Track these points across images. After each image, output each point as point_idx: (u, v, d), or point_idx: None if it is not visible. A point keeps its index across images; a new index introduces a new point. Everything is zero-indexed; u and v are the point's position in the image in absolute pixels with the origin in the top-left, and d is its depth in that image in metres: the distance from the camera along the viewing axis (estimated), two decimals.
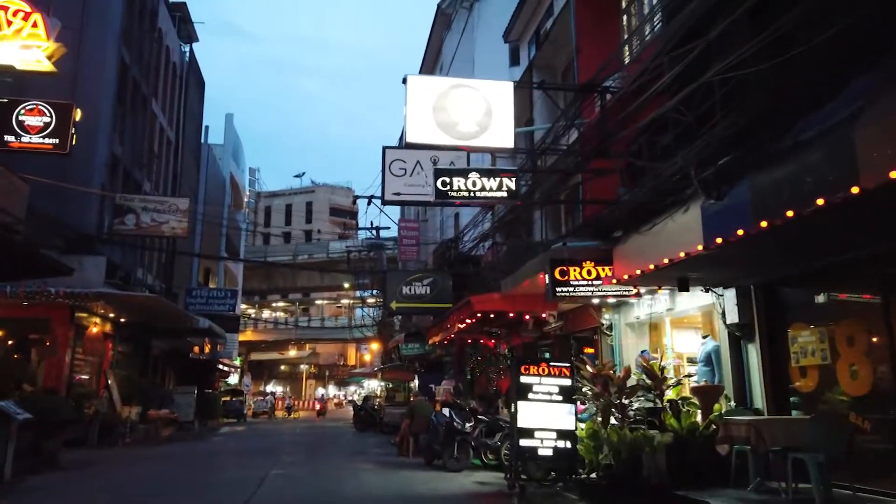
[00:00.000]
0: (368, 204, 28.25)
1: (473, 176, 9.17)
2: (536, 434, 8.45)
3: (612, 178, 10.18)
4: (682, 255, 6.88)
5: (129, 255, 22.42)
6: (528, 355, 17.30)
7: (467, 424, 10.89)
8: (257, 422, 35.93)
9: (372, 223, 32.91)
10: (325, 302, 67.19)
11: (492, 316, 13.03)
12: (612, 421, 8.64)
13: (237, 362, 47.53)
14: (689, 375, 8.77)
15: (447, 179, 9.13)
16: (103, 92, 19.61)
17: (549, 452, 8.43)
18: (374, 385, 44.22)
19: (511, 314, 12.78)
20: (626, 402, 8.08)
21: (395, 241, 29.45)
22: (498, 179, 9.19)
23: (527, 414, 8.50)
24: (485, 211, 16.63)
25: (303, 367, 67.76)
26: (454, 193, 9.09)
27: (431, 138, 9.12)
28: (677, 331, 12.41)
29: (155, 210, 19.38)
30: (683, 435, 7.82)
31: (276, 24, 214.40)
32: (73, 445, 15.98)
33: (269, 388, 64.54)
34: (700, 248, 6.54)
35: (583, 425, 8.53)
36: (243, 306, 62.16)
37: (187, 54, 30.16)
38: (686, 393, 8.88)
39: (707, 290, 8.76)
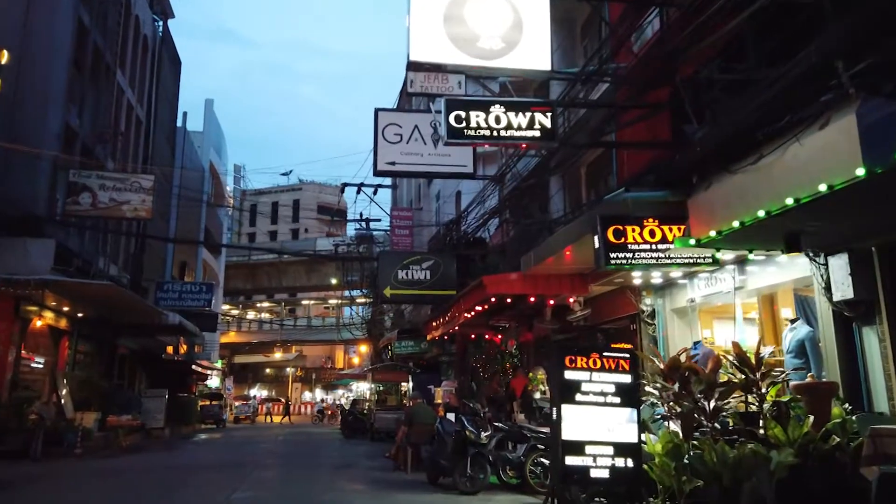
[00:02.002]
0: (358, 192, 26.07)
1: (497, 110, 6.95)
2: (587, 449, 6.22)
3: (659, 122, 8.01)
4: (822, 188, 4.68)
5: (90, 243, 20.00)
6: (541, 352, 15.13)
7: (483, 434, 8.62)
8: (238, 428, 33.43)
9: (361, 215, 30.57)
10: (312, 302, 64.80)
11: (508, 301, 10.80)
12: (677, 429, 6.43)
13: (218, 364, 44.90)
14: (801, 369, 6.56)
15: (462, 114, 6.90)
16: (55, 54, 17.24)
17: (605, 474, 6.20)
18: (363, 388, 41.82)
19: (532, 298, 10.56)
20: (717, 404, 5.85)
21: (387, 233, 27.20)
22: (528, 115, 6.99)
23: (574, 422, 6.27)
24: (494, 184, 14.41)
25: (289, 370, 65.17)
26: (472, 132, 6.88)
27: (442, 56, 6.90)
28: (718, 321, 10.33)
29: (115, 188, 16.99)
30: (796, 450, 5.63)
31: (273, 30, 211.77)
32: (10, 458, 13.65)
33: (254, 391, 61.86)
34: (861, 172, 4.35)
35: (653, 437, 6.28)
36: (226, 307, 59.65)
37: (160, 29, 27.75)
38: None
39: (815, 257, 6.58)
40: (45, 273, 15.17)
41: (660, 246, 6.82)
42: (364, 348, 56.05)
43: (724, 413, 5.89)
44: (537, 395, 10.89)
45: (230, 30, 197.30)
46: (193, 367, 30.44)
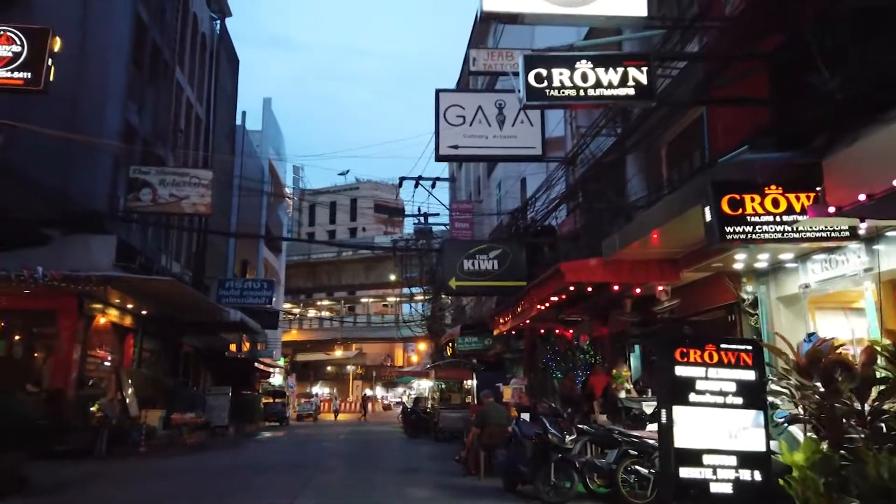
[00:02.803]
0: (416, 186, 25.37)
1: (583, 66, 6.00)
2: (705, 458, 5.21)
3: (757, 81, 6.84)
4: None
5: (152, 241, 20.00)
6: (617, 348, 14.04)
7: (567, 437, 7.68)
8: (300, 425, 33.38)
9: (419, 209, 29.91)
10: (371, 300, 64.90)
11: (589, 290, 9.79)
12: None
13: (281, 362, 45.23)
14: None
15: (543, 71, 5.98)
16: (114, 50, 17.17)
17: (727, 489, 5.19)
18: (424, 385, 41.31)
19: (615, 287, 9.50)
20: (875, 405, 4.75)
21: (447, 227, 26.44)
22: (621, 70, 6.01)
23: (688, 426, 5.27)
24: (563, 167, 13.38)
25: (349, 367, 65.49)
26: (554, 92, 5.95)
27: (519, 4, 5.98)
28: (821, 311, 9.02)
29: (174, 183, 16.79)
30: None
31: (322, 34, 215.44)
32: (75, 457, 13.54)
33: (316, 389, 62.43)
34: None
35: (787, 445, 5.21)
36: (287, 305, 60.37)
37: (218, 27, 27.80)
38: None
39: None
40: (107, 270, 15.06)
41: (785, 217, 5.73)
42: (423, 346, 55.57)
43: (885, 416, 4.79)
44: (622, 395, 9.85)
45: (282, 36, 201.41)
46: (256, 364, 30.48)
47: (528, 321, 12.37)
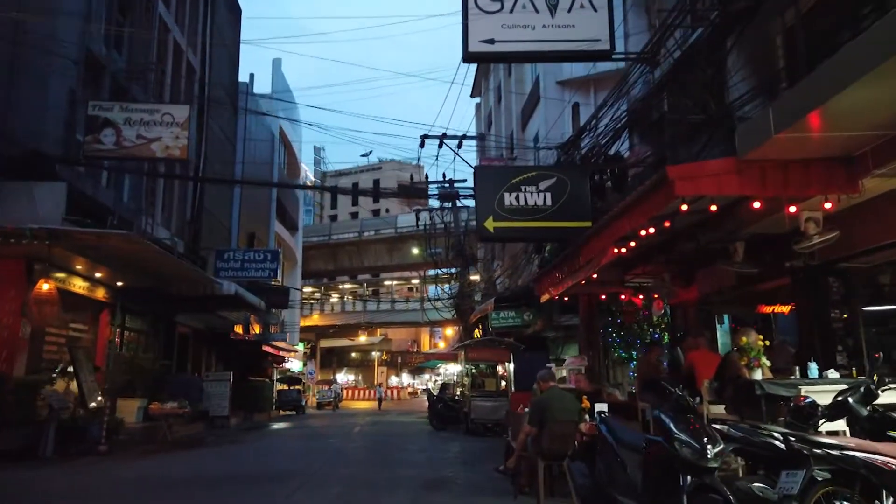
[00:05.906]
0: (440, 147, 22.02)
1: None
2: None
3: None
4: None
5: (131, 200, 16.96)
6: (702, 318, 10.58)
7: (711, 450, 4.26)
8: (317, 415, 30.43)
9: (444, 175, 26.48)
10: (395, 282, 62.05)
11: (713, 209, 6.30)
12: None
13: (300, 347, 42.41)
14: None
15: None
16: None
17: None
18: (452, 370, 38.02)
19: (756, 204, 6.00)
20: None
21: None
22: None
23: None
24: (636, 69, 9.83)
25: (374, 354, 62.97)
26: None
27: None
28: None
29: (142, 122, 13.63)
30: None
31: (347, 23, 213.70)
32: (15, 458, 10.65)
33: (340, 376, 60.01)
34: None
35: None
36: (309, 289, 57.74)
37: None
38: None
39: None
40: (57, 224, 12.02)
41: None
42: (450, 331, 52.40)
43: None
44: (758, 375, 6.38)
45: (306, 27, 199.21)
46: (266, 348, 27.52)
47: (594, 276, 8.91)
